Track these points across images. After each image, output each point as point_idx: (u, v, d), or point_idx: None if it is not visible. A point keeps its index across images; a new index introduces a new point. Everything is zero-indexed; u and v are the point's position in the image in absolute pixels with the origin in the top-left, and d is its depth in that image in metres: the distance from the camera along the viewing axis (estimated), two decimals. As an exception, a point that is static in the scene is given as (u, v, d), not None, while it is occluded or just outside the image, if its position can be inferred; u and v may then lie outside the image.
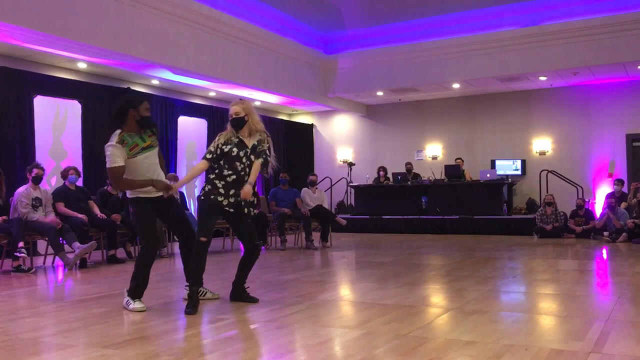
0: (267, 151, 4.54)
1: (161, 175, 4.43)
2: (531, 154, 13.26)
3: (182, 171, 11.67)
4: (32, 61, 9.02)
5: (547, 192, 11.85)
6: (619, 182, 11.04)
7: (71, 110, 9.65)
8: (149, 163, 4.36)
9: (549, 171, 12.22)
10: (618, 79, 12.27)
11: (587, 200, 11.93)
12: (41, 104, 9.10)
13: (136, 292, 4.30)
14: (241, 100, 4.72)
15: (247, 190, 4.34)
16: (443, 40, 12.19)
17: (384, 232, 12.41)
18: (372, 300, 4.61)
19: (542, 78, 12.19)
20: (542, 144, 13.19)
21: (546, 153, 13.14)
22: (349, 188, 13.92)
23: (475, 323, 3.65)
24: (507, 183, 12.27)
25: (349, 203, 14.01)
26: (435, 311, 4.19)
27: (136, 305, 4.22)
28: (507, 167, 13.12)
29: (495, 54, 11.73)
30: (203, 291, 4.56)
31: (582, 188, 11.97)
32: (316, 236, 9.46)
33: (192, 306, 4.13)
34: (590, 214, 10.84)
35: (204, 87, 11.62)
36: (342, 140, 15.28)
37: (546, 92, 13.08)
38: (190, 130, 12.02)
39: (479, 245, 9.41)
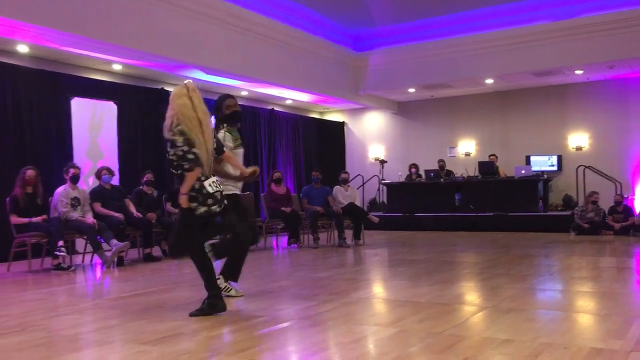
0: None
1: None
2: (567, 150, 13.01)
3: (215, 170, 11.78)
4: (68, 64, 9.22)
5: (585, 189, 11.62)
6: None
7: (107, 111, 9.83)
8: (240, 159, 4.63)
9: (585, 167, 11.96)
10: (657, 72, 11.94)
11: (625, 196, 11.64)
12: (78, 105, 9.30)
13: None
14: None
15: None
16: (475, 36, 12.04)
17: (417, 229, 12.33)
18: (406, 298, 4.58)
19: (578, 72, 11.93)
20: (578, 139, 12.92)
21: (583, 148, 12.87)
22: (380, 186, 13.86)
23: (511, 321, 3.61)
24: (542, 179, 12.05)
25: (381, 201, 13.95)
26: (469, 309, 4.15)
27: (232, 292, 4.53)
28: (542, 163, 12.89)
29: (529, 49, 11.53)
30: (228, 287, 4.58)
31: (620, 184, 11.69)
32: (349, 234, 9.45)
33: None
34: (629, 210, 10.58)
35: (236, 86, 11.70)
36: (373, 137, 15.23)
37: (582, 86, 12.81)
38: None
39: (514, 242, 9.27)
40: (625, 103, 12.42)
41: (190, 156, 3.83)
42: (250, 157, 12.42)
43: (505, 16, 11.82)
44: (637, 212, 10.50)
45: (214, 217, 4.06)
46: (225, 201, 4.10)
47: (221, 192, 4.07)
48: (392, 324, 3.64)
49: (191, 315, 3.95)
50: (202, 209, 3.90)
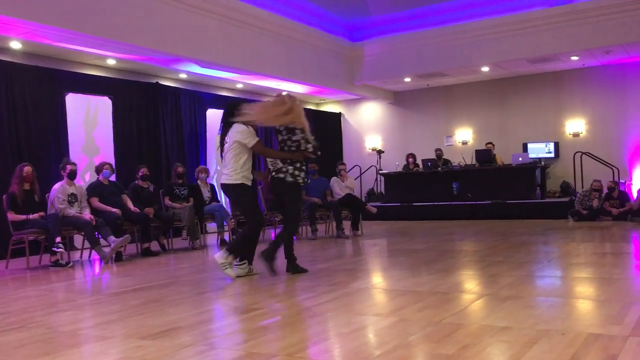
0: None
1: None
2: (564, 136, 13.01)
3: (211, 163, 11.77)
4: (62, 59, 9.18)
5: (582, 175, 11.64)
6: None
7: (102, 106, 9.80)
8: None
9: (583, 153, 11.96)
10: (653, 56, 11.92)
11: (623, 181, 11.66)
12: (72, 101, 9.27)
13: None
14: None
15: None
16: (470, 23, 12.00)
17: (415, 219, 12.34)
18: (405, 287, 4.59)
19: (574, 58, 11.90)
20: (575, 125, 12.91)
21: (580, 134, 12.87)
22: (378, 176, 13.86)
23: (510, 309, 3.61)
24: (540, 166, 12.05)
25: (379, 191, 13.95)
26: (469, 297, 4.15)
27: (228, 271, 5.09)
28: (539, 150, 12.89)
29: (525, 35, 11.50)
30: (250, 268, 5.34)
31: (617, 169, 11.70)
32: (347, 225, 9.45)
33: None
34: (625, 196, 10.59)
35: (231, 79, 11.67)
36: (370, 128, 15.21)
37: (578, 72, 12.78)
38: (219, 122, 12.08)
39: (512, 230, 9.28)
40: (622, 88, 12.41)
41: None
42: (247, 150, 12.40)
43: (499, 3, 11.78)
44: (635, 197, 10.50)
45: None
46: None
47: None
48: (391, 313, 3.65)
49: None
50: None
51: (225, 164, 5.31)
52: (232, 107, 5.37)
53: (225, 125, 5.35)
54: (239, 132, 5.22)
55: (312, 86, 12.93)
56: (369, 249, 7.80)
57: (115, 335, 3.38)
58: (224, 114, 5.45)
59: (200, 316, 3.81)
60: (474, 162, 12.49)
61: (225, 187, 5.39)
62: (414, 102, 14.60)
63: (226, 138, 5.31)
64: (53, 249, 6.70)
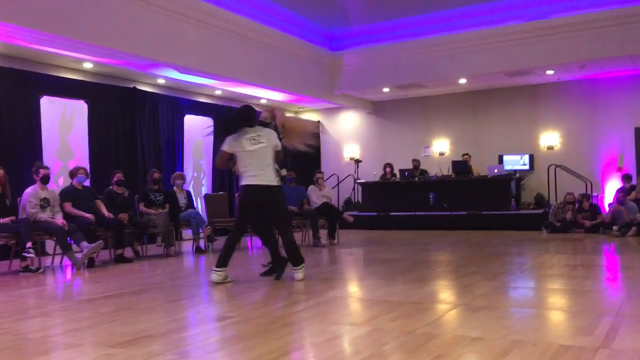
0: None
1: None
2: (539, 149, 13.19)
3: (188, 170, 11.70)
4: (38, 62, 9.04)
5: (556, 187, 11.81)
6: (628, 178, 10.96)
7: (77, 110, 9.68)
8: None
9: (557, 166, 12.14)
10: (626, 72, 12.16)
11: (596, 194, 11.85)
12: (47, 104, 9.13)
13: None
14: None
15: None
16: (449, 36, 12.13)
17: (392, 228, 12.38)
18: (380, 297, 4.59)
19: (549, 72, 12.10)
20: (550, 138, 13.11)
21: (554, 147, 13.06)
22: (356, 185, 13.89)
23: (483, 319, 3.63)
24: (515, 178, 12.20)
25: (356, 200, 13.98)
26: (443, 307, 4.17)
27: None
28: (514, 162, 13.05)
29: (502, 49, 11.66)
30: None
31: (590, 182, 11.89)
32: (323, 233, 9.44)
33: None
34: (597, 209, 10.76)
35: (209, 85, 11.61)
36: (348, 137, 15.25)
37: (553, 86, 12.99)
38: (198, 129, 12.00)
39: (487, 240, 9.36)
40: (596, 103, 12.64)
41: None
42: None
43: (477, 17, 11.94)
44: (607, 210, 10.67)
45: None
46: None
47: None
48: (365, 323, 3.64)
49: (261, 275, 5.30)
50: None
51: (262, 165, 5.27)
52: (252, 111, 5.43)
53: (250, 125, 5.34)
54: (276, 137, 5.47)
55: (291, 94, 12.94)
56: (345, 258, 7.80)
57: (84, 343, 3.31)
58: (250, 114, 5.39)
59: (172, 324, 3.76)
60: (450, 173, 12.59)
61: (270, 189, 5.31)
62: (392, 112, 14.68)
63: (260, 139, 5.29)
64: (23, 254, 6.55)
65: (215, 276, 5.23)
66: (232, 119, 5.59)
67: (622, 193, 10.27)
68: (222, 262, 5.25)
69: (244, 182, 5.29)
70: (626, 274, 5.64)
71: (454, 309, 4.05)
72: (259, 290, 5.04)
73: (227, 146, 5.32)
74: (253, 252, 8.89)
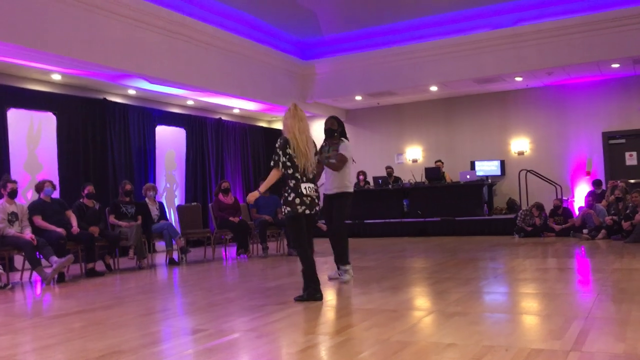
0: (277, 151, 5.20)
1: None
2: (510, 154, 13.37)
3: (160, 181, 11.57)
4: (4, 74, 8.88)
5: (527, 192, 11.98)
6: (598, 183, 11.19)
7: (45, 122, 9.52)
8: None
9: (527, 171, 12.32)
10: (592, 78, 12.43)
11: (565, 198, 12.05)
12: (15, 116, 8.97)
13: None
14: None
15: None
16: (419, 44, 12.26)
17: (366, 236, 12.41)
18: (355, 305, 4.59)
19: (518, 79, 12.30)
20: (520, 144, 13.31)
21: (524, 153, 13.25)
22: (330, 193, 13.87)
23: (456, 325, 3.65)
24: (487, 184, 12.35)
25: (330, 208, 13.95)
26: (417, 314, 4.18)
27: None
28: (486, 168, 13.21)
29: (471, 56, 11.83)
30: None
31: (560, 187, 12.09)
32: (298, 242, 9.39)
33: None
34: (568, 213, 10.94)
35: (181, 95, 11.53)
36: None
37: (522, 92, 13.21)
38: (169, 139, 11.92)
39: (461, 246, 9.44)
40: (564, 109, 12.87)
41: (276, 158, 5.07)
42: (198, 167, 12.25)
43: (447, 25, 12.10)
44: (577, 214, 10.86)
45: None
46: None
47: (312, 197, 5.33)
48: (340, 332, 3.63)
49: (295, 300, 4.74)
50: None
51: (336, 175, 6.26)
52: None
53: (333, 137, 6.29)
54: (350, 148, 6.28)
55: (263, 104, 12.91)
56: (320, 266, 7.74)
57: (53, 361, 3.24)
58: (336, 124, 6.31)
59: (144, 339, 3.70)
60: (423, 179, 12.69)
61: (346, 196, 6.35)
62: (365, 120, 14.75)
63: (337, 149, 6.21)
64: (-9, 270, 6.41)
65: (347, 276, 5.99)
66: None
67: (591, 197, 10.47)
68: (346, 258, 6.13)
69: (351, 189, 6.31)
70: (596, 277, 5.73)
71: (428, 315, 4.07)
72: (232, 302, 4.99)
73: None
74: (228, 263, 8.82)
